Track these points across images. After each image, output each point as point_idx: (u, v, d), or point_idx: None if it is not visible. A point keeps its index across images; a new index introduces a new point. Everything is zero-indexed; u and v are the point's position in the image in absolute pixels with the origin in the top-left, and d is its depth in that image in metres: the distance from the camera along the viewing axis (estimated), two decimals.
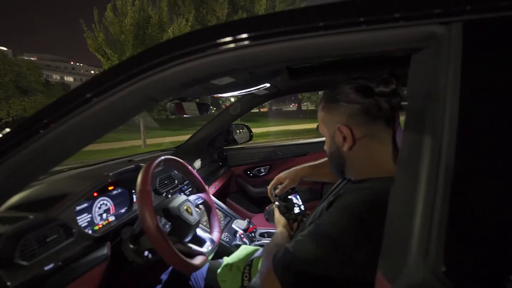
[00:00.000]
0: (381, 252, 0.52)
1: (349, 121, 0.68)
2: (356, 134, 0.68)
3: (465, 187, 0.41)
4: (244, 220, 1.54)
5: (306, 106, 36.64)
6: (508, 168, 0.41)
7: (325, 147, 0.78)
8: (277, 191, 1.04)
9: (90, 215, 0.98)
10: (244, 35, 0.52)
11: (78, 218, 0.92)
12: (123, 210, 1.13)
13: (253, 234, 1.50)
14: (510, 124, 0.41)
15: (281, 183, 1.05)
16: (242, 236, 1.44)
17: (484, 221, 0.41)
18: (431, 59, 0.46)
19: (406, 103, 0.57)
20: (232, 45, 0.52)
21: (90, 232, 0.93)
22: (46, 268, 0.74)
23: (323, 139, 0.79)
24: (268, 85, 1.34)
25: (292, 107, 49.48)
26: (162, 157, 1.00)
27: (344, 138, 0.69)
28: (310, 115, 24.79)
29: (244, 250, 1.09)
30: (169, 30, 11.82)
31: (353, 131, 0.68)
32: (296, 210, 1.01)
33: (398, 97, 0.65)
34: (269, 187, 1.08)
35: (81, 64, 63.09)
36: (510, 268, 0.39)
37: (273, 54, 0.52)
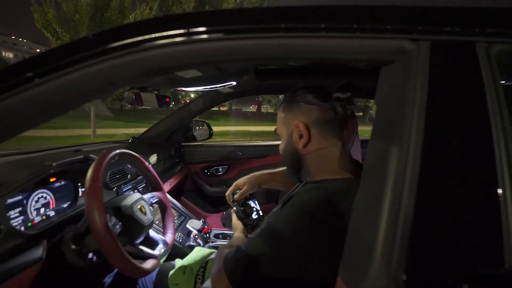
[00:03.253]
0: (342, 258, 0.52)
1: (307, 120, 0.72)
2: (312, 133, 0.72)
3: (429, 197, 0.43)
4: (199, 220, 1.49)
5: (266, 108, 37.22)
6: (471, 180, 0.43)
7: (281, 147, 0.80)
8: (235, 196, 1.01)
9: (24, 210, 0.86)
10: (219, 28, 0.49)
11: (8, 212, 0.80)
12: (65, 205, 1.01)
13: (207, 235, 1.46)
14: (472, 136, 0.44)
15: (239, 189, 1.03)
16: (196, 236, 1.39)
17: (445, 232, 0.43)
18: (400, 72, 0.49)
19: (358, 112, 0.60)
20: (205, 36, 0.49)
21: (22, 229, 0.81)
22: None
23: None
24: (234, 83, 1.31)
25: (252, 108, 49.86)
26: (117, 151, 0.91)
27: (301, 136, 0.72)
28: (271, 118, 25.22)
29: (199, 252, 1.05)
30: (130, 16, 11.15)
31: (310, 129, 0.71)
32: (254, 215, 1.00)
33: (352, 104, 0.71)
34: (227, 192, 1.04)
35: (25, 40, 56.69)
36: (463, 278, 0.41)
37: (244, 50, 0.50)
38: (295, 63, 1.31)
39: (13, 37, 55.03)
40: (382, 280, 0.42)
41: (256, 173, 1.06)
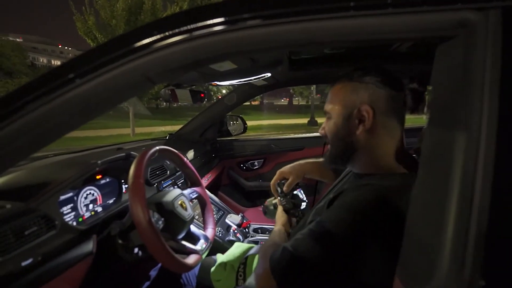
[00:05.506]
0: (400, 258, 0.48)
1: (374, 105, 0.64)
2: (376, 121, 0.65)
3: (510, 188, 0.37)
4: (238, 214, 1.49)
5: (298, 101, 36.76)
6: None
7: (329, 129, 0.71)
8: (284, 188, 0.96)
9: (75, 206, 0.91)
10: (254, 14, 0.46)
11: (61, 208, 0.85)
12: (111, 201, 1.05)
13: (246, 230, 1.46)
14: None
15: (284, 178, 0.99)
16: (235, 231, 1.39)
17: None
18: (461, 48, 0.42)
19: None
20: (240, 24, 0.46)
21: (74, 224, 0.85)
22: (24, 263, 0.66)
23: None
24: (268, 74, 1.27)
25: (284, 101, 49.58)
26: (157, 147, 0.93)
27: (360, 121, 0.65)
28: (303, 110, 24.81)
29: (238, 247, 1.04)
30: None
31: (375, 114, 0.64)
32: (303, 206, 0.96)
33: (424, 100, 0.65)
34: (272, 182, 1.01)
35: (70, 48, 61.16)
36: None
37: (282, 36, 0.47)
38: (332, 49, 1.25)
39: (59, 46, 59.58)
40: (453, 286, 0.37)
41: (301, 162, 1.02)
